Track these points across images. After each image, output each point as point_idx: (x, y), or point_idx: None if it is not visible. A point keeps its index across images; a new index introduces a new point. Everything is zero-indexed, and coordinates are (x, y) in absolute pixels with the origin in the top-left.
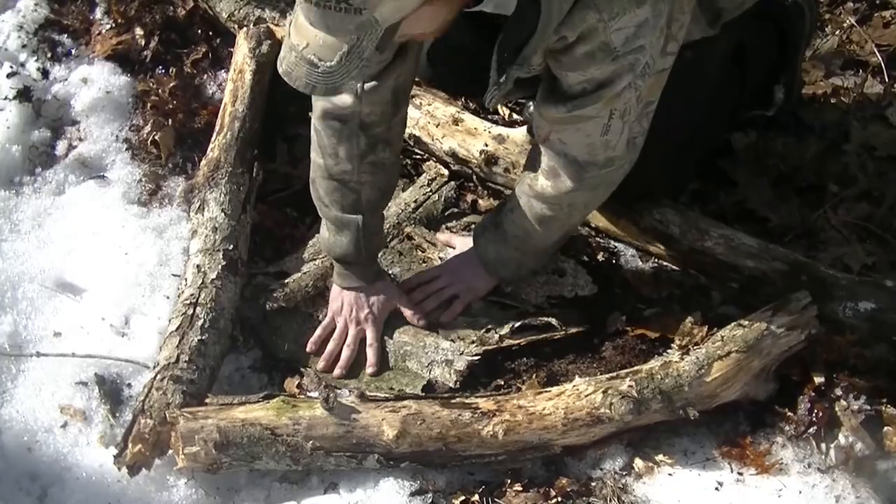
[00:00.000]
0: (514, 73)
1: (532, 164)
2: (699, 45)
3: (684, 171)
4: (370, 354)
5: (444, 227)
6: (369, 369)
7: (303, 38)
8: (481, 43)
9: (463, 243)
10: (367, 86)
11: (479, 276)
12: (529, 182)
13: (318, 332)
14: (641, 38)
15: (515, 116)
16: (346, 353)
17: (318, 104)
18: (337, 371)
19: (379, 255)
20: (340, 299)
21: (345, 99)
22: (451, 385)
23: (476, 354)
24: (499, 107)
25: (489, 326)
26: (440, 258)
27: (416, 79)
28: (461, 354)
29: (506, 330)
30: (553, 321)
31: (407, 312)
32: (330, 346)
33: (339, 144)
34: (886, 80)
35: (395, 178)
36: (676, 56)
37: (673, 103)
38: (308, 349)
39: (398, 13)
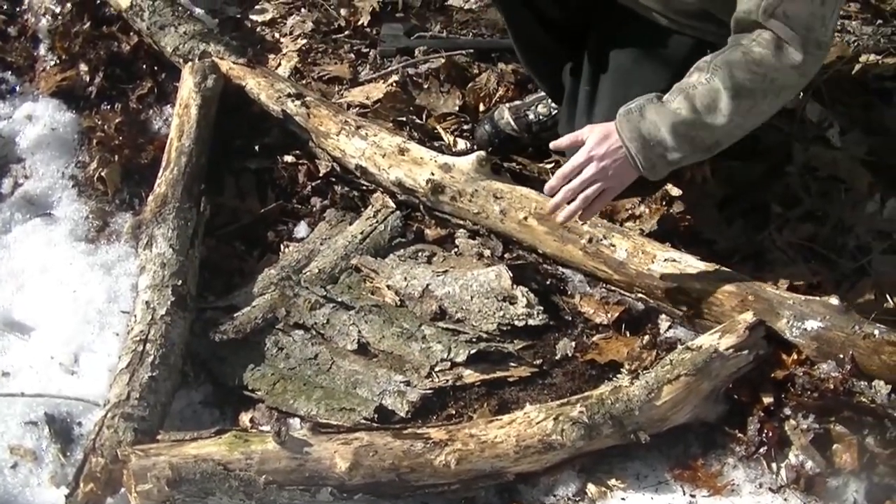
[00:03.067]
0: None
1: (738, 40)
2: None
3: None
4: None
5: (392, 255)
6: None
7: None
8: None
9: (594, 132)
10: None
11: (623, 162)
12: (743, 51)
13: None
14: None
15: (461, 145)
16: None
17: None
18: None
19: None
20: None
21: None
22: (402, 415)
23: (430, 388)
24: (443, 134)
25: (442, 358)
26: (388, 286)
27: None
28: (414, 387)
29: (461, 358)
30: (511, 349)
31: (549, 209)
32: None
33: None
34: (826, 101)
35: None
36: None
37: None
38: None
39: None
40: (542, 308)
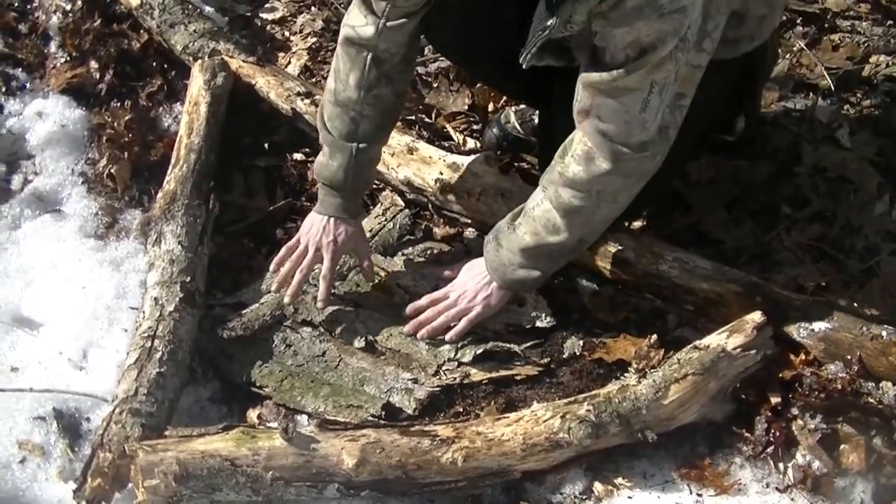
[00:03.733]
0: (567, 11)
1: (563, 152)
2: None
3: (663, 187)
4: (321, 286)
5: (400, 253)
6: (319, 304)
7: None
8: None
9: (468, 265)
10: (389, 24)
11: (491, 290)
12: (560, 170)
13: (282, 251)
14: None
15: (470, 144)
16: (297, 277)
17: (343, 31)
18: (287, 299)
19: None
20: (311, 223)
21: (367, 31)
22: (410, 412)
23: (437, 386)
24: (453, 134)
25: (450, 357)
26: (397, 284)
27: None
28: (421, 385)
29: (468, 357)
30: (517, 348)
31: (408, 328)
32: (286, 265)
33: (350, 71)
34: (836, 102)
35: (394, 117)
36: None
37: None
38: (271, 269)
39: None
40: (550, 311)
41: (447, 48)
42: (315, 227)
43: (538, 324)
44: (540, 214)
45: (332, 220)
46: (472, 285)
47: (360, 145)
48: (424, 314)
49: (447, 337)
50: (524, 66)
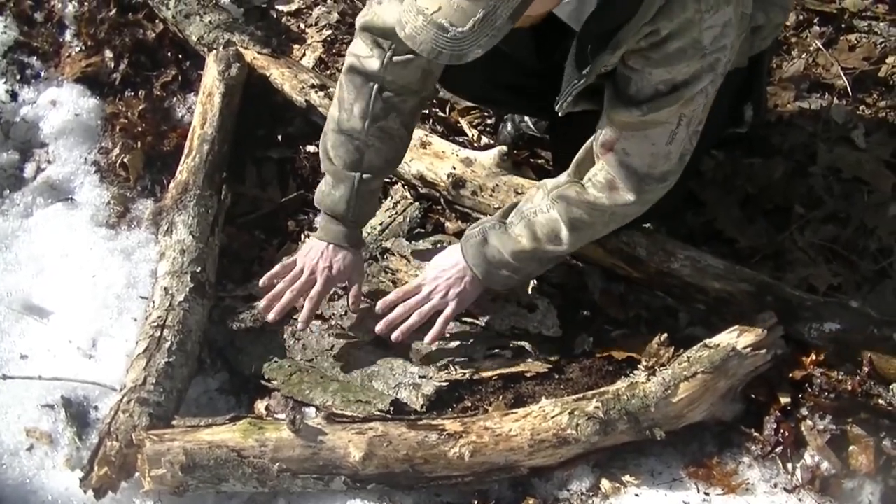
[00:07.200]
0: (602, 61)
1: (577, 173)
2: None
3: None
4: (305, 306)
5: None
6: (300, 325)
7: (435, 1)
8: (525, 49)
9: (435, 257)
10: (395, 59)
11: (464, 283)
12: (578, 189)
13: (277, 268)
14: (725, 38)
15: (484, 140)
16: (287, 296)
17: (348, 60)
18: (271, 315)
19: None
20: (310, 247)
21: (372, 64)
22: (417, 408)
23: (445, 381)
24: (467, 129)
25: (459, 358)
26: (416, 276)
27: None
28: (429, 380)
29: (478, 356)
30: (526, 345)
31: (380, 326)
32: (281, 284)
33: (355, 101)
34: (852, 102)
35: (401, 151)
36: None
37: None
38: (260, 283)
39: None
40: (558, 322)
41: (458, 88)
42: (314, 252)
43: (544, 332)
44: (544, 222)
45: (331, 246)
46: (443, 279)
47: (364, 176)
48: (395, 311)
49: (426, 340)
50: (560, 114)
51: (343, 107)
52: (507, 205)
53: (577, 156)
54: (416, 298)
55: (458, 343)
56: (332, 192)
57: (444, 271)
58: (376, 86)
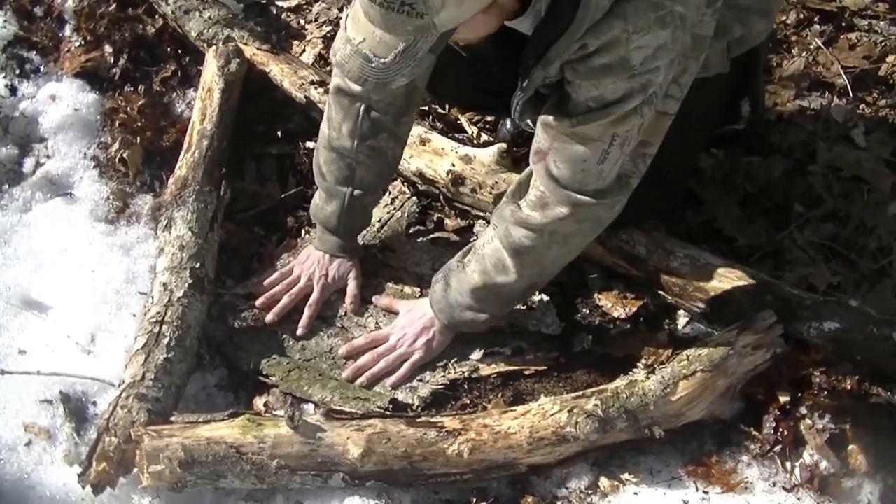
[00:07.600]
0: (537, 76)
1: (516, 193)
2: None
3: (670, 194)
4: (305, 313)
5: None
6: (300, 331)
7: (360, 32)
8: (502, 53)
9: (406, 306)
10: None
11: (433, 332)
12: (512, 209)
13: (276, 275)
14: (658, 60)
15: (484, 137)
16: (285, 300)
17: (335, 80)
18: (269, 317)
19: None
20: (308, 255)
21: (356, 86)
22: (414, 409)
23: (442, 384)
24: (466, 126)
25: (455, 358)
26: (416, 273)
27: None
28: (426, 383)
29: (476, 355)
30: (525, 343)
31: (347, 373)
32: (278, 287)
33: (343, 121)
34: (852, 101)
35: (393, 165)
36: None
37: None
38: (258, 295)
39: (456, 20)
40: (558, 319)
41: (448, 98)
42: (311, 260)
43: (543, 330)
44: (490, 253)
45: (327, 255)
46: (410, 329)
47: (355, 192)
48: (363, 359)
49: (388, 382)
50: (516, 120)
51: (332, 125)
52: (469, 245)
53: (520, 177)
54: (384, 346)
55: (457, 341)
56: (324, 206)
57: (412, 321)
58: (363, 106)
